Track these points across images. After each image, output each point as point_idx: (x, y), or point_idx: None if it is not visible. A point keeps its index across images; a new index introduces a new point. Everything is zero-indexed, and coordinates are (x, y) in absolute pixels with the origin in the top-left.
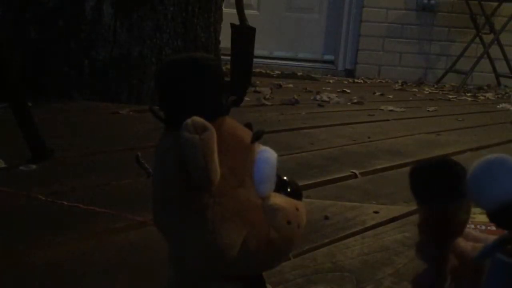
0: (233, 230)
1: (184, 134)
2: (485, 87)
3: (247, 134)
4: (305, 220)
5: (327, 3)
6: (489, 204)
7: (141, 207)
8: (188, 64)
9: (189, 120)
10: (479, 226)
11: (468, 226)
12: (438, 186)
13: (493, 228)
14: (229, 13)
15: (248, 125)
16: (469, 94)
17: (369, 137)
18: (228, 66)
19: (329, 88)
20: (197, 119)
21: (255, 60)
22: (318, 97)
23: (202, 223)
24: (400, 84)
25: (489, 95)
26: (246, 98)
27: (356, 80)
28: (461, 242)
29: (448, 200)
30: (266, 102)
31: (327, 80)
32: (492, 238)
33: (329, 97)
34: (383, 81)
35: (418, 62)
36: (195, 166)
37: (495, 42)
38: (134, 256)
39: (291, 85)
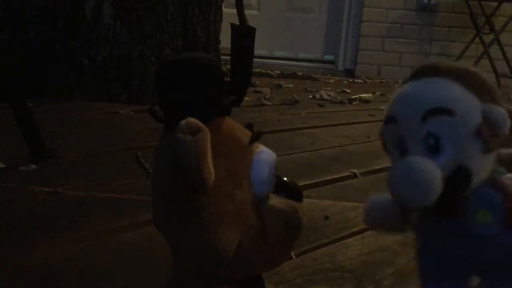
0: (229, 231)
1: (177, 135)
2: None
3: (245, 135)
4: (304, 222)
5: (327, 3)
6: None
7: (142, 207)
8: (187, 64)
9: (183, 121)
10: None
11: None
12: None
13: None
14: (229, 13)
15: (249, 126)
16: None
17: (369, 137)
18: (228, 66)
19: (329, 88)
20: (191, 120)
21: (255, 60)
22: (318, 96)
23: (198, 224)
24: (400, 84)
25: None
26: (246, 98)
27: (356, 80)
28: None
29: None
30: (266, 102)
31: (327, 80)
32: None
33: (329, 96)
34: (383, 81)
35: (418, 62)
36: (187, 168)
37: (495, 42)
38: (134, 256)
39: (291, 85)
